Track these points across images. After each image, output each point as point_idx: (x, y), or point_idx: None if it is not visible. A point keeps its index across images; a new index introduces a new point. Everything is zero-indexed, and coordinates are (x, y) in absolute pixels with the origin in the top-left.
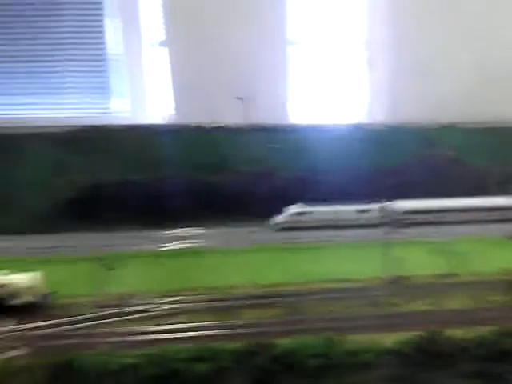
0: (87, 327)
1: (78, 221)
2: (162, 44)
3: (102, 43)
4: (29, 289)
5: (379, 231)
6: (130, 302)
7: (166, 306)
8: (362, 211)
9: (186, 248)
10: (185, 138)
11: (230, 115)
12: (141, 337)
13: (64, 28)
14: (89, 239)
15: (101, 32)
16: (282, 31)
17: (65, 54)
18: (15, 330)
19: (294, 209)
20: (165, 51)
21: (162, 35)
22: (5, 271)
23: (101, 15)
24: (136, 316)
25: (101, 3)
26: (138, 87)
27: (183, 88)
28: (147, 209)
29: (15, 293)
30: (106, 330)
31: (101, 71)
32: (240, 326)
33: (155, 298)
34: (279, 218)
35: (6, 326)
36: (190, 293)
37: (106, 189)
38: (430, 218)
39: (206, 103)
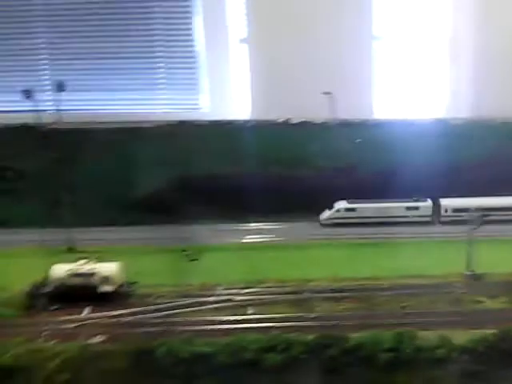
0: (166, 316)
1: (165, 213)
2: (245, 40)
3: (191, 40)
4: (112, 278)
5: (452, 228)
6: (210, 293)
7: (244, 297)
8: (412, 208)
9: (266, 241)
10: (269, 133)
11: (314, 110)
12: (218, 326)
13: (155, 25)
14: (172, 231)
15: (189, 29)
16: (367, 26)
17: (157, 51)
18: (95, 318)
19: (341, 204)
20: (248, 47)
21: (245, 32)
22: (90, 260)
23: (190, 12)
24: (214, 306)
25: (189, 0)
26: (225, 83)
27: (268, 84)
28: (229, 202)
29: (99, 282)
30: (185, 318)
31: (189, 68)
32: (314, 319)
33: (234, 288)
34: (326, 214)
35: (86, 314)
36: (268, 285)
37: (190, 182)
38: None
39: (290, 99)
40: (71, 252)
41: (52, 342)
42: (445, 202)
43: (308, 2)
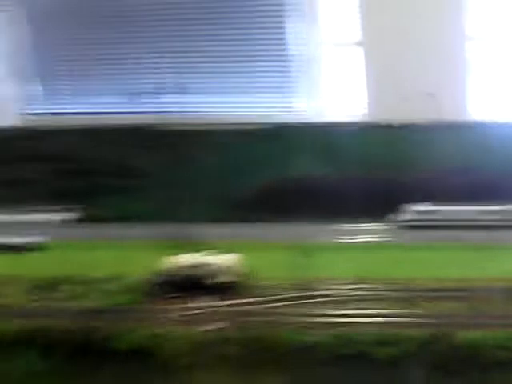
0: (281, 307)
1: (269, 212)
2: (351, 43)
3: (284, 44)
4: (228, 269)
5: None
6: (322, 287)
7: (353, 293)
8: (485, 212)
9: (368, 241)
10: (371, 135)
11: (415, 112)
12: (329, 319)
13: (249, 29)
14: (280, 229)
15: (283, 33)
16: (460, 26)
17: (253, 55)
18: (213, 306)
19: (418, 207)
20: (353, 50)
21: (352, 34)
22: (205, 252)
23: (282, 16)
24: (325, 299)
25: (282, 5)
26: (321, 86)
27: (377, 86)
28: (330, 203)
29: (216, 272)
30: (298, 310)
31: (283, 71)
32: (421, 316)
33: (343, 284)
34: (403, 216)
35: (205, 302)
36: (374, 282)
37: (293, 183)
38: None
39: (396, 100)
40: (185, 246)
41: (172, 328)
42: None
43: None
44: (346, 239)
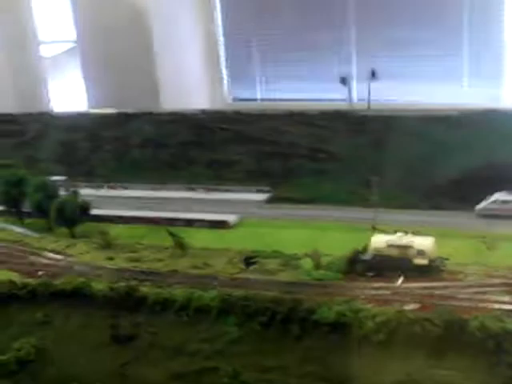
0: (476, 293)
1: (456, 200)
2: None
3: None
4: (427, 252)
5: None
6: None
7: None
8: None
9: None
10: None
11: None
12: None
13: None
14: (472, 218)
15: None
16: None
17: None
18: (411, 287)
19: (500, 196)
20: None
21: None
22: (400, 235)
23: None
24: None
25: None
26: None
27: None
28: None
29: (417, 254)
30: (494, 297)
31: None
32: None
33: None
34: (483, 204)
35: (402, 283)
36: None
37: (496, 171)
38: None
39: None
40: (375, 230)
41: (369, 305)
42: None
43: None
44: None
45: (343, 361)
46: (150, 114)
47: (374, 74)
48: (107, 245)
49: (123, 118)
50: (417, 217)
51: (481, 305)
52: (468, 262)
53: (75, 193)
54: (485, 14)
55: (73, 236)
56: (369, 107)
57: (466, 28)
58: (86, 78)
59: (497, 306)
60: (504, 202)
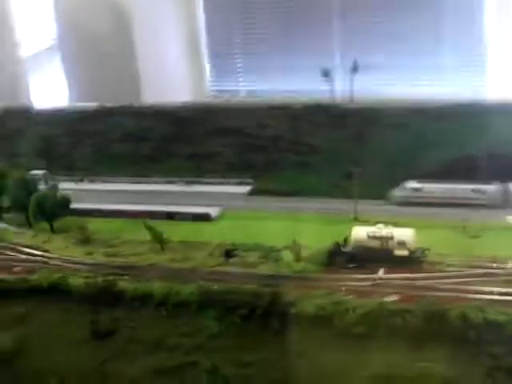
0: (457, 283)
1: None
2: None
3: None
4: (407, 243)
5: None
6: (498, 266)
7: None
8: (478, 191)
9: None
10: None
11: None
12: (509, 297)
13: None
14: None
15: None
16: None
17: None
18: (391, 278)
19: (409, 184)
20: None
21: None
22: (379, 226)
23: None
24: (505, 278)
25: None
26: None
27: None
28: None
29: (397, 245)
30: (475, 287)
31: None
32: None
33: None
34: (396, 192)
35: (382, 274)
36: None
37: (473, 162)
38: None
39: None
40: (356, 221)
41: (350, 297)
42: None
43: None
44: None
45: (324, 354)
46: (130, 107)
47: (356, 68)
48: (86, 239)
49: (103, 112)
50: (394, 208)
51: (461, 295)
52: (447, 252)
53: (55, 187)
54: (466, 7)
55: (52, 231)
56: (351, 100)
57: (447, 22)
58: (67, 73)
59: (478, 296)
60: (415, 189)
